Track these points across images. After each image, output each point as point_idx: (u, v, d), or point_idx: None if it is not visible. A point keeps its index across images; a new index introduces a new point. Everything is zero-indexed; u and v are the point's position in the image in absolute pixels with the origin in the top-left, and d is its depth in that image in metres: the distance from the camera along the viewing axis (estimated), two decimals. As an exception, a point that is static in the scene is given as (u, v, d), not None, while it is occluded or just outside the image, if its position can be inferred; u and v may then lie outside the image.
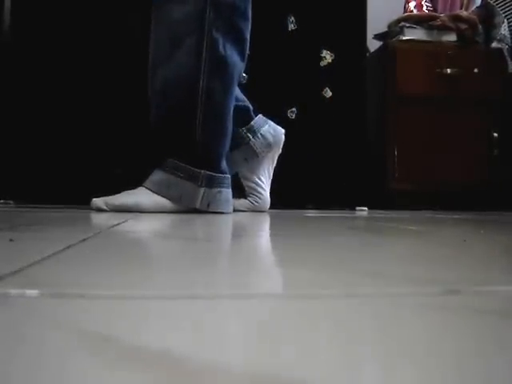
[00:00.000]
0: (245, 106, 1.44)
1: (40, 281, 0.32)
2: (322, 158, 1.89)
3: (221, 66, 1.25)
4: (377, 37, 2.33)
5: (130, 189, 1.28)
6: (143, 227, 0.88)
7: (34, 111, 1.76)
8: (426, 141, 2.14)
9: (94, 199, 1.26)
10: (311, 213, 1.56)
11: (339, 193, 1.88)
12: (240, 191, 1.47)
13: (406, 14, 2.36)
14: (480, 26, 2.26)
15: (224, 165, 1.30)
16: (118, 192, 1.27)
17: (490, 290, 0.33)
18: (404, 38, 2.22)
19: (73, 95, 1.76)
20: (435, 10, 2.41)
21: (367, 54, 2.12)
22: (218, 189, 1.28)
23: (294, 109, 1.88)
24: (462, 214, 1.70)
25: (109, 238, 0.64)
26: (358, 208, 1.81)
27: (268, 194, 1.48)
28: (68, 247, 0.47)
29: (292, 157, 1.60)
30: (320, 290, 0.31)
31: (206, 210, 1.26)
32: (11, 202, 1.65)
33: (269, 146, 1.46)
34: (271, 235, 0.84)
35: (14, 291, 0.27)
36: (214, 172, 1.27)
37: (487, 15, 2.31)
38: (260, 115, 1.48)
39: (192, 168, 1.26)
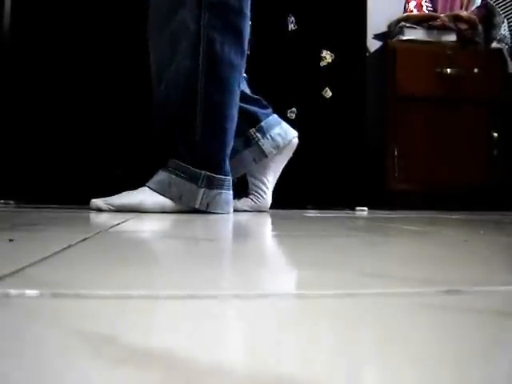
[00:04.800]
0: (256, 105, 1.45)
1: (40, 281, 0.32)
2: (322, 158, 1.89)
3: (218, 66, 1.26)
4: (377, 37, 2.33)
5: (131, 190, 1.28)
6: (143, 227, 0.88)
7: (34, 111, 1.76)
8: (425, 141, 2.14)
9: (94, 199, 1.26)
10: (311, 213, 1.56)
11: (339, 193, 1.88)
12: (242, 191, 1.47)
13: (406, 14, 2.36)
14: (480, 26, 2.26)
15: (226, 167, 1.31)
16: (118, 193, 1.27)
17: (491, 290, 0.33)
18: (404, 38, 2.22)
19: (73, 96, 1.76)
20: (435, 9, 2.41)
21: (367, 54, 2.12)
22: (218, 190, 1.29)
23: (293, 109, 1.88)
24: (462, 214, 1.70)
25: (109, 238, 0.63)
26: (358, 208, 1.81)
27: (270, 194, 1.49)
28: (68, 247, 0.47)
29: (292, 157, 1.60)
30: (320, 290, 0.31)
31: (205, 210, 1.28)
32: (11, 201, 1.65)
33: (277, 147, 1.46)
34: (271, 235, 0.84)
35: (13, 291, 0.27)
36: (215, 173, 1.28)
37: (487, 15, 2.31)
38: (274, 115, 1.48)
39: (193, 169, 1.27)
